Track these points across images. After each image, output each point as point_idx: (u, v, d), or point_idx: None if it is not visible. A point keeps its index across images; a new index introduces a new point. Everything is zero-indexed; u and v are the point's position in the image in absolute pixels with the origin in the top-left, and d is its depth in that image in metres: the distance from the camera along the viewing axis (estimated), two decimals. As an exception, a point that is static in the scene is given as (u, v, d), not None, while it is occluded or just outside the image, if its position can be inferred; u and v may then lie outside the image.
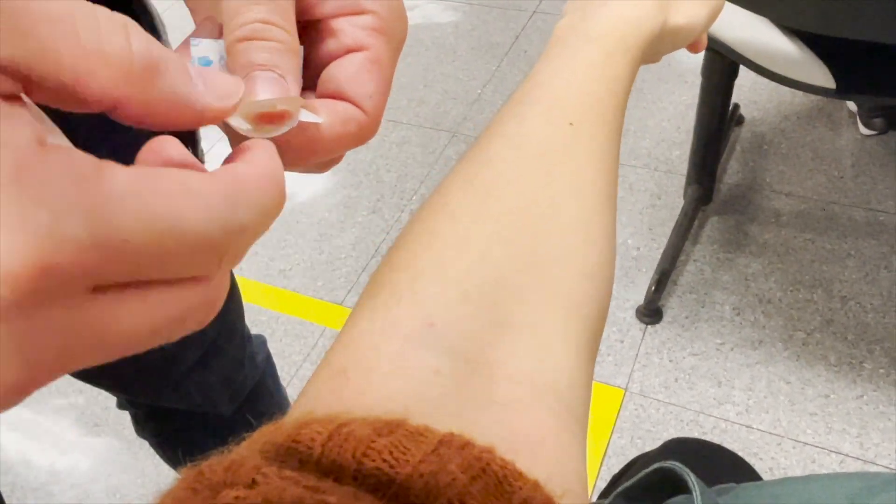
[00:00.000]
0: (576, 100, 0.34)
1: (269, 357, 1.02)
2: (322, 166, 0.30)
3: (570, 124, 0.33)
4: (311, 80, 0.27)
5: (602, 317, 0.31)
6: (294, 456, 0.20)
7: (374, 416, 0.21)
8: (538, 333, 0.27)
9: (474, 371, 0.25)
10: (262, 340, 1.01)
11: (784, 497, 0.42)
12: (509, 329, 0.26)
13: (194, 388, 0.83)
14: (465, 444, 0.20)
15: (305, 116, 0.25)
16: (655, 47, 0.39)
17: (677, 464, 0.38)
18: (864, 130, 1.71)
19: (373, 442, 0.19)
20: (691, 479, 0.37)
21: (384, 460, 0.19)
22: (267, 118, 0.24)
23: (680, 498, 0.43)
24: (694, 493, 0.36)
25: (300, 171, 0.29)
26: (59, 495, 1.36)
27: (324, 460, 0.19)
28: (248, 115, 0.24)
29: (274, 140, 0.23)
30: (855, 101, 1.71)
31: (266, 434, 0.21)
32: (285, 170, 0.24)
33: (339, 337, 0.27)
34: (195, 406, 0.86)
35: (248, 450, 0.20)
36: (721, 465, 0.59)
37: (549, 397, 0.25)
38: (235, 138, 0.25)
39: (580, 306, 0.29)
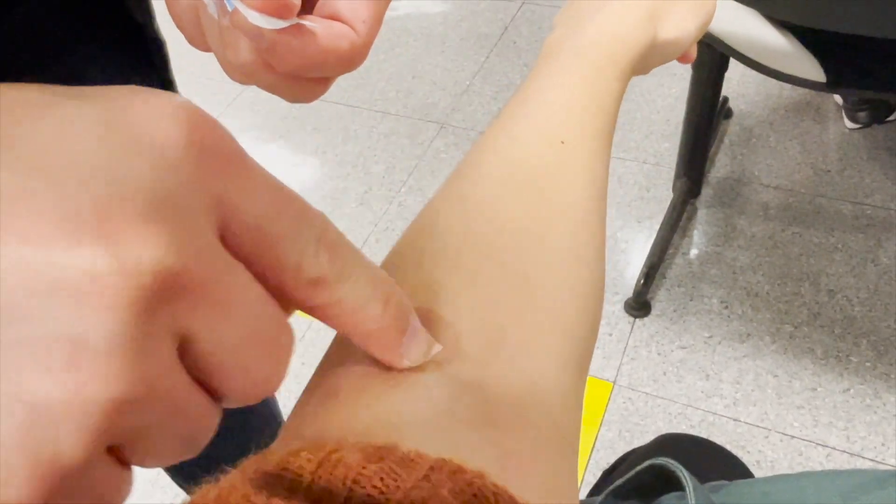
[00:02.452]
0: (567, 116, 0.34)
1: None
2: (310, 89, 0.31)
3: (562, 142, 0.33)
4: (309, 5, 0.29)
5: (593, 335, 0.31)
6: (283, 484, 0.19)
7: (365, 442, 0.21)
8: (531, 354, 0.27)
9: (466, 392, 0.24)
10: None
11: (776, 494, 0.42)
12: (502, 350, 0.26)
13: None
14: (457, 470, 0.20)
15: (304, 21, 0.27)
16: (645, 61, 0.40)
17: (671, 461, 0.38)
18: (849, 124, 1.72)
19: (363, 468, 0.19)
20: (685, 476, 0.37)
21: (374, 486, 0.19)
22: (271, 7, 0.26)
23: (672, 495, 0.43)
24: (687, 491, 0.36)
25: (289, 94, 0.31)
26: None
27: (314, 487, 0.19)
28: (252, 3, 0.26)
29: (273, 38, 0.26)
30: (842, 95, 1.71)
31: (255, 462, 0.20)
32: (278, 77, 0.28)
33: (326, 355, 0.27)
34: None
35: (236, 479, 0.20)
36: (713, 461, 0.59)
37: (541, 419, 0.25)
38: (245, 32, 0.27)
39: (572, 327, 0.29)
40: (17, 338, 0.15)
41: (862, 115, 1.68)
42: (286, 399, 1.41)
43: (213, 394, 0.19)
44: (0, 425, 0.15)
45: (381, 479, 0.19)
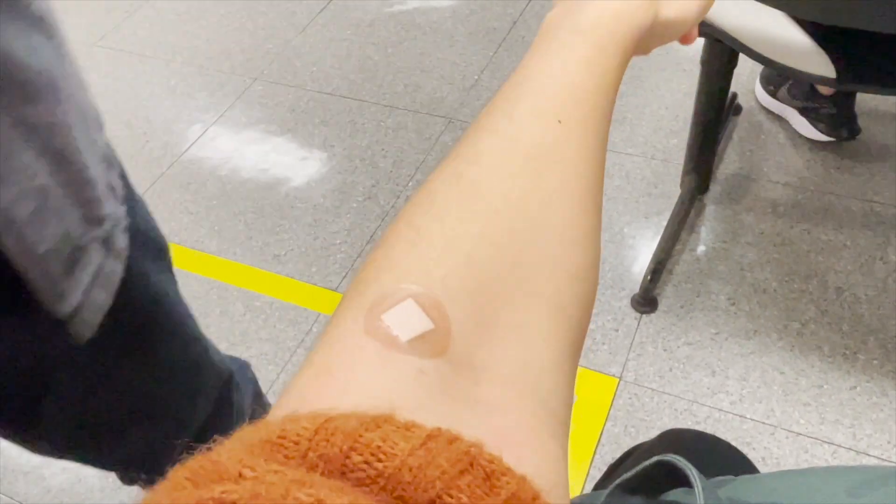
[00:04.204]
0: (565, 95, 0.34)
1: (254, 389, 1.02)
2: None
3: (559, 122, 0.33)
4: None
5: (587, 317, 0.31)
6: (280, 451, 0.19)
7: (362, 411, 0.21)
8: (523, 335, 0.27)
9: (459, 372, 0.25)
10: (243, 379, 1.00)
11: (783, 490, 0.42)
12: (495, 331, 0.26)
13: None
14: (454, 439, 0.20)
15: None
16: (646, 40, 0.39)
17: (679, 458, 0.38)
18: (814, 135, 1.69)
19: (360, 436, 0.19)
20: (693, 473, 0.37)
21: (372, 454, 0.19)
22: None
23: (679, 491, 0.43)
24: (696, 488, 0.36)
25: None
26: (50, 479, 1.35)
27: (311, 455, 0.19)
28: None
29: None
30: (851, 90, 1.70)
31: (251, 431, 0.20)
32: None
33: (322, 335, 0.27)
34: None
35: (234, 446, 0.20)
36: (717, 456, 0.59)
37: (532, 399, 0.26)
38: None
39: (565, 308, 0.29)
40: None
41: (822, 126, 1.67)
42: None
43: None
44: None
45: (379, 446, 0.19)
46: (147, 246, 0.71)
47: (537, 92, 0.34)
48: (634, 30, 0.37)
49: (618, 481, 0.42)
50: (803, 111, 1.68)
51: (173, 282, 0.79)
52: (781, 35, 1.14)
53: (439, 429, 0.20)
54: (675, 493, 0.41)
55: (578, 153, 0.33)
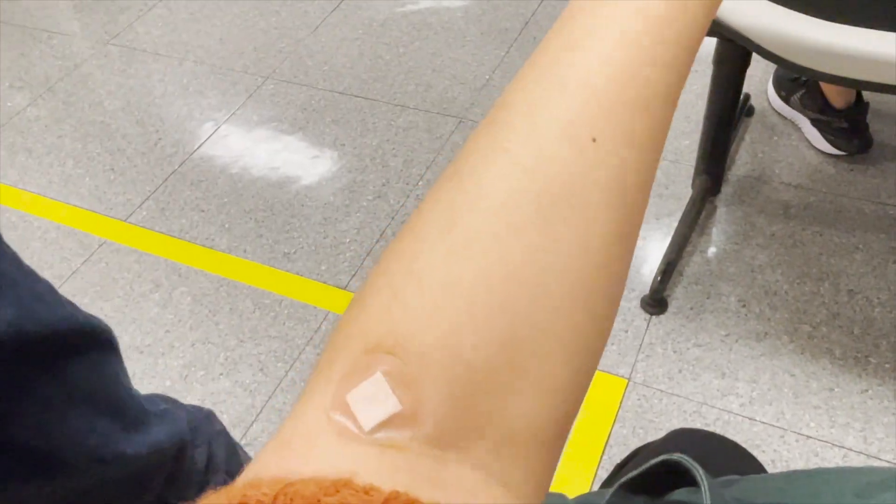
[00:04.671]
0: (610, 96, 0.25)
1: (219, 436, 0.96)
2: None
3: (594, 140, 0.25)
4: None
5: (583, 394, 0.26)
6: None
7: (322, 476, 0.21)
8: (504, 421, 0.24)
9: (427, 452, 0.23)
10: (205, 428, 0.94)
11: (790, 491, 0.42)
12: (472, 416, 0.23)
13: None
14: (412, 502, 0.20)
15: None
16: None
17: (685, 457, 0.38)
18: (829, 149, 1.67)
19: (319, 501, 0.19)
20: (699, 473, 0.36)
21: None
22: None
23: (684, 490, 0.42)
24: (702, 487, 0.36)
25: None
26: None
27: None
28: None
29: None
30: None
31: (214, 497, 0.20)
32: None
33: (294, 405, 0.26)
34: None
35: None
36: (725, 456, 0.58)
37: (504, 488, 0.24)
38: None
39: (559, 391, 0.25)
40: None
41: (832, 139, 1.65)
42: (294, 382, 1.41)
43: None
44: None
45: None
46: (35, 349, 0.60)
47: (569, 92, 0.25)
48: None
49: (622, 480, 0.41)
50: (815, 122, 1.67)
51: (92, 367, 0.67)
52: (796, 34, 1.13)
53: (397, 492, 0.20)
54: (680, 493, 0.41)
55: (613, 183, 0.25)
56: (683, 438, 0.61)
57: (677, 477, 0.42)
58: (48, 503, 0.66)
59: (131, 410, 0.74)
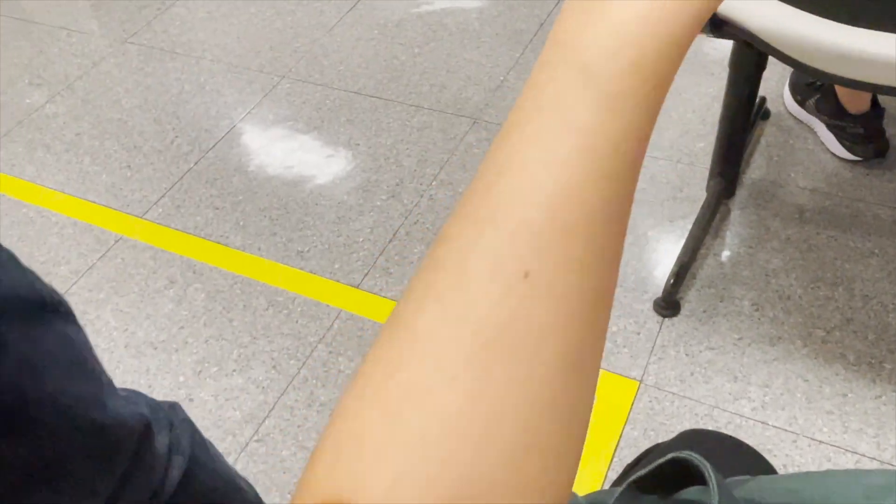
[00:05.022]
0: (542, 224, 0.23)
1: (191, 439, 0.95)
2: None
3: (526, 275, 0.23)
4: None
5: None
6: None
7: None
8: None
9: None
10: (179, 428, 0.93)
11: (801, 492, 0.42)
12: None
13: None
14: None
15: None
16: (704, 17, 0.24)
17: (694, 455, 0.38)
18: (846, 155, 1.66)
19: None
20: (709, 471, 0.36)
21: None
22: None
23: (694, 489, 0.43)
24: (711, 485, 0.36)
25: None
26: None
27: None
28: None
29: None
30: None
31: None
32: None
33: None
34: None
35: None
36: (736, 457, 0.58)
37: None
38: None
39: None
40: None
41: (848, 144, 1.64)
42: (303, 374, 1.42)
43: None
44: None
45: None
46: (6, 310, 0.62)
47: (501, 214, 0.24)
48: (682, 30, 0.24)
49: (631, 478, 0.42)
50: (830, 127, 1.66)
51: (60, 335, 0.69)
52: (812, 37, 1.12)
53: None
54: (689, 492, 0.41)
55: (555, 312, 0.23)
56: (695, 438, 0.61)
57: (687, 476, 0.42)
58: (22, 466, 0.67)
59: (100, 380, 0.75)
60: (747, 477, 0.44)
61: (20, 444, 0.66)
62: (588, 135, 0.23)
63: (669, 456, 0.41)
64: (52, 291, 0.71)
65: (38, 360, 0.67)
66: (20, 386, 0.64)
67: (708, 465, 0.38)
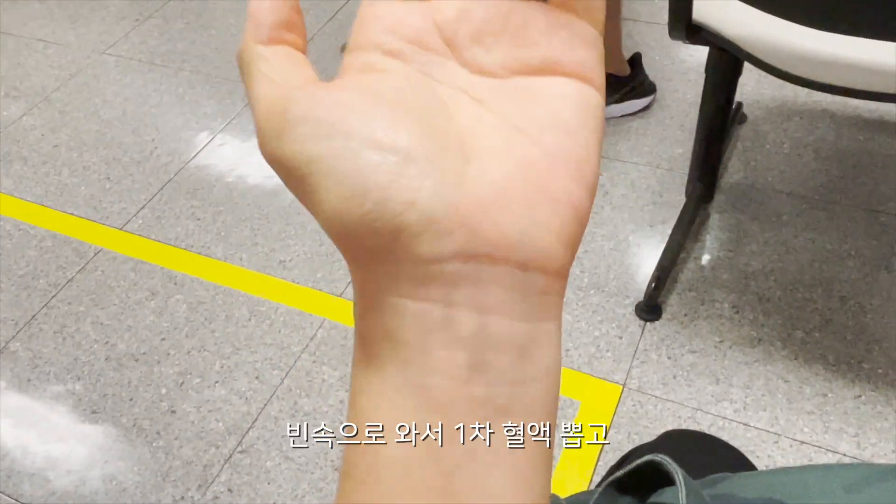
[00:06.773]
0: None
1: None
2: None
3: None
4: None
5: None
6: None
7: None
8: None
9: None
10: None
11: (779, 486, 0.42)
12: None
13: None
14: None
15: None
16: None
17: (665, 457, 0.38)
18: None
19: None
20: (678, 474, 0.37)
21: None
22: None
23: (670, 491, 0.43)
24: (678, 487, 0.36)
25: None
26: (55, 481, 1.36)
27: None
28: None
29: None
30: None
31: None
32: None
33: None
34: None
35: None
36: (718, 456, 0.59)
37: None
38: None
39: None
40: None
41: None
42: (288, 386, 1.41)
43: None
44: None
45: None
46: None
47: None
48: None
49: (610, 479, 0.42)
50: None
51: None
52: (788, 43, 1.14)
53: None
54: (665, 494, 0.41)
55: None
56: (678, 439, 0.61)
57: (663, 477, 0.42)
58: None
59: None
60: (727, 474, 0.45)
61: None
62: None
63: (645, 458, 0.41)
64: None
65: None
66: None
67: (678, 468, 0.38)
